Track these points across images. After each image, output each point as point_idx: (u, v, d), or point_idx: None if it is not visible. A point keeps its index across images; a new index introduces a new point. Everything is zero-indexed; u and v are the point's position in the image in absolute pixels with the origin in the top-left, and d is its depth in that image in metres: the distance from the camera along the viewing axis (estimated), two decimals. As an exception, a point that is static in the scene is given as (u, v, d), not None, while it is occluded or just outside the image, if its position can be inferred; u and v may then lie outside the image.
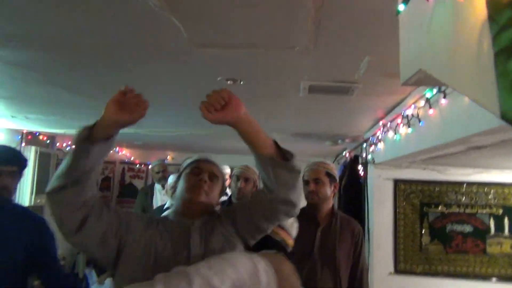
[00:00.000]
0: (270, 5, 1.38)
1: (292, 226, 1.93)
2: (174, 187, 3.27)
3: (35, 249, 1.95)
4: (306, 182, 2.42)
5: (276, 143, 1.33)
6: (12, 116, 3.39)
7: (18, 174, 1.99)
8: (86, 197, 1.24)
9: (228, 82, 2.31)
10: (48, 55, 1.96)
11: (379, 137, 3.35)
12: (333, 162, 6.14)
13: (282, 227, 1.87)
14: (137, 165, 6.53)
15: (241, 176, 2.81)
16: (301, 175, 1.39)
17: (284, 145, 1.34)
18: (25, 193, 4.31)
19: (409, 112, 2.54)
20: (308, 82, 2.29)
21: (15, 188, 2.02)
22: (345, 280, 2.34)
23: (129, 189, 6.69)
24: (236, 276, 1.07)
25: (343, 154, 5.33)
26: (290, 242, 1.91)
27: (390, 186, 3.63)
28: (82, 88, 2.55)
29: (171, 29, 1.56)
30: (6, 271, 1.85)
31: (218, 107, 1.22)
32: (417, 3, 0.80)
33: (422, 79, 0.95)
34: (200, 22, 1.54)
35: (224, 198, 4.12)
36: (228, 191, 3.88)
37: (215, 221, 1.45)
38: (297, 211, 1.40)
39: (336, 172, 2.51)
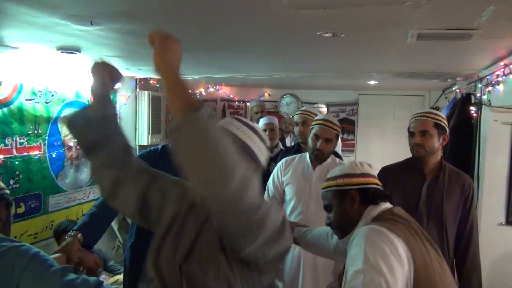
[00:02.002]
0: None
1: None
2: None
3: None
4: (411, 134, 2.30)
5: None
6: (127, 68, 3.74)
7: None
8: None
9: (327, 34, 2.20)
10: (152, 25, 2.07)
11: (499, 78, 2.96)
12: (440, 96, 5.64)
13: (366, 174, 1.60)
14: (236, 102, 6.76)
15: (321, 136, 2.55)
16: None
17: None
18: (142, 134, 4.82)
19: (540, 55, 2.19)
20: (417, 31, 2.07)
21: None
22: (452, 235, 2.27)
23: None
24: None
25: (453, 89, 4.84)
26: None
27: (507, 131, 3.26)
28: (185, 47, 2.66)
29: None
30: None
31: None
32: None
33: None
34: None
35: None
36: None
37: None
38: None
39: (446, 122, 2.31)
